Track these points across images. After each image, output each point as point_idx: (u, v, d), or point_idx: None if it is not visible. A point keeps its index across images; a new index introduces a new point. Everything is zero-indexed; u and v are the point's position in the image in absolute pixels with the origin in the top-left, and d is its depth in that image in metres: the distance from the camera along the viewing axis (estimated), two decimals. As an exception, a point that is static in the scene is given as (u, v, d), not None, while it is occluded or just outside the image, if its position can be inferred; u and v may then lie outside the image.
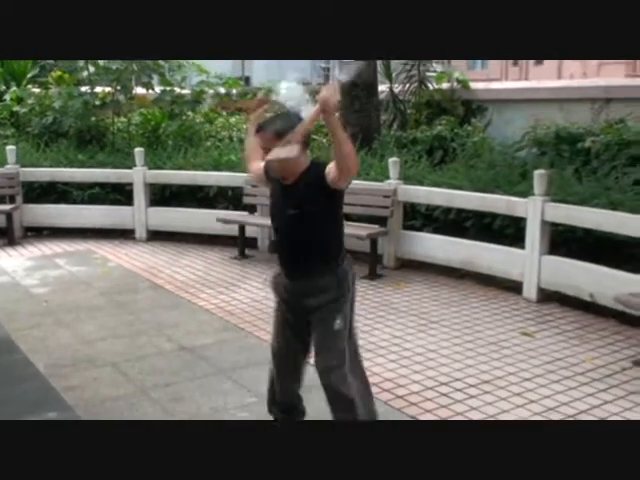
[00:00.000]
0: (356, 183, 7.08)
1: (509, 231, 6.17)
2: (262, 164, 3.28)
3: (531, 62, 34.25)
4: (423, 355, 4.69)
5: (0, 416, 3.71)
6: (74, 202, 8.51)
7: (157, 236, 8.25)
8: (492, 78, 9.12)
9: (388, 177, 6.87)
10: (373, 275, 6.55)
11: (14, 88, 10.81)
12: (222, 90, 11.32)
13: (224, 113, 11.08)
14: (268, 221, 8.40)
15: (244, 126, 10.46)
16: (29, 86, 11.17)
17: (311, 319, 3.20)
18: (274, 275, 3.37)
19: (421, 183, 6.85)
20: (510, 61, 35.36)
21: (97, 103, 9.68)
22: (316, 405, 3.45)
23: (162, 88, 9.94)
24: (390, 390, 4.12)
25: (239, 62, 27.84)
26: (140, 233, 8.31)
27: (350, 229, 6.48)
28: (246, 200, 7.61)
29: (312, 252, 3.15)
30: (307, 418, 3.54)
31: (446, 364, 4.55)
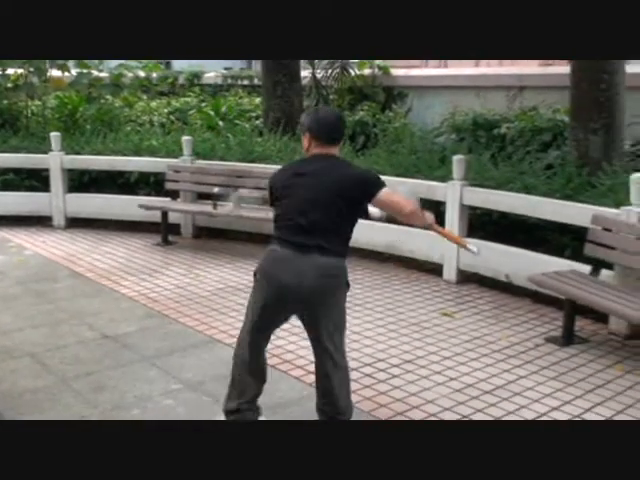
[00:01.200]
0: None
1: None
2: None
3: (450, 50, 35.01)
4: (347, 337, 4.72)
5: None
6: (-15, 189, 8.18)
7: (76, 223, 8.03)
8: (413, 65, 9.23)
9: (311, 162, 6.89)
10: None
11: None
12: (142, 74, 11.09)
13: (144, 97, 10.86)
14: (191, 207, 8.30)
15: (164, 110, 10.29)
16: None
17: None
18: None
19: (344, 168, 6.91)
20: (430, 48, 36.00)
21: (9, 85, 9.31)
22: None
23: (79, 71, 9.63)
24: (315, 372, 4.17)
25: (159, 45, 27.24)
26: (58, 220, 8.06)
27: (271, 213, 6.49)
28: (168, 186, 7.50)
29: None
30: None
31: (370, 345, 4.65)
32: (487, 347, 4.65)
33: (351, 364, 4.31)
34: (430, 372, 4.25)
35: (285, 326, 3.73)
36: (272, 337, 3.43)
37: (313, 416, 3.40)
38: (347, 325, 4.94)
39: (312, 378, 4.02)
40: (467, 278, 6.01)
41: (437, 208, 6.19)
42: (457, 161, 5.94)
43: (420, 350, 4.59)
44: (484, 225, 6.03)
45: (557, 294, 4.83)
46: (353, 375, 4.16)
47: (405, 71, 9.90)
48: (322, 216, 3.08)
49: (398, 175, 6.45)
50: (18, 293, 5.68)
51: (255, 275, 3.24)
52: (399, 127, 8.39)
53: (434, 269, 6.22)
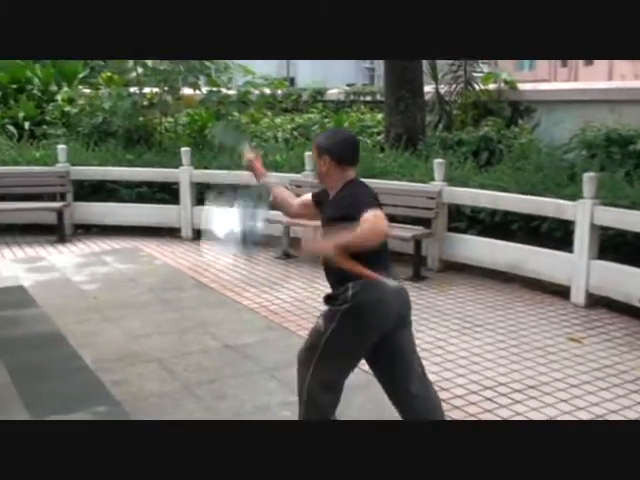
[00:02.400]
0: (401, 184, 7.07)
1: (557, 234, 6.07)
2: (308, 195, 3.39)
3: (581, 62, 33.48)
4: (467, 359, 4.65)
5: (49, 408, 3.81)
6: (122, 200, 8.67)
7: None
8: (540, 79, 8.94)
9: (433, 178, 6.82)
10: (417, 277, 6.51)
11: (65, 89, 11.08)
12: (267, 91, 11.41)
13: (269, 114, 11.16)
14: (312, 222, 8.39)
15: (288, 126, 10.53)
16: (80, 87, 11.41)
17: None
18: None
19: (466, 185, 6.78)
20: (559, 61, 34.64)
21: (145, 103, 9.85)
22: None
23: (209, 89, 10.05)
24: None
25: (284, 63, 28.00)
26: (186, 232, 8.42)
27: (394, 230, 6.46)
28: (290, 200, 7.63)
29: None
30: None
31: (491, 368, 4.49)
32: (619, 377, 4.37)
33: (471, 387, 4.21)
34: (556, 400, 4.04)
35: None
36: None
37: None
38: (467, 347, 4.86)
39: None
40: (596, 301, 5.69)
41: (566, 228, 5.94)
42: (588, 179, 5.66)
43: (545, 376, 4.38)
44: (617, 246, 5.70)
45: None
46: (472, 398, 4.05)
47: (532, 85, 9.59)
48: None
49: (524, 193, 6.25)
50: (148, 300, 5.96)
51: (350, 310, 2.99)
52: (525, 143, 8.12)
53: (560, 291, 5.94)
